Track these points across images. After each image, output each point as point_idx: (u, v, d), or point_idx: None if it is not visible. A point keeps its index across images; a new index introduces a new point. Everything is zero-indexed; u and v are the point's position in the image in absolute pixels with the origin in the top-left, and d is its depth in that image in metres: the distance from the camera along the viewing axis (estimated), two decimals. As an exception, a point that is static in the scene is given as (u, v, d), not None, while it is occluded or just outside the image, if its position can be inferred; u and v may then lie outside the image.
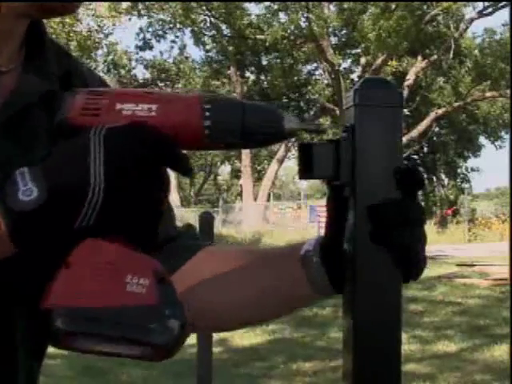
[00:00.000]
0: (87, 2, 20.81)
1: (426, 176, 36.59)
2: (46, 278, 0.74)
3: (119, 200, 0.72)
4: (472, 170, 36.20)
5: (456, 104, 28.25)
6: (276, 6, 24.16)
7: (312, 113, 29.83)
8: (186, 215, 25.02)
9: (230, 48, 26.67)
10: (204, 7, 24.93)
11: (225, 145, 0.79)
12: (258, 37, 25.13)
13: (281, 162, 28.68)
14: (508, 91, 24.81)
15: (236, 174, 41.91)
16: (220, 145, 0.79)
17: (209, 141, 0.77)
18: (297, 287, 0.93)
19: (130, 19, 25.72)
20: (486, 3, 24.75)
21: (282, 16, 24.33)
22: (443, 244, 21.02)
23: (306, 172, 0.84)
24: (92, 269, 0.73)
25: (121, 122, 0.74)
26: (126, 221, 0.74)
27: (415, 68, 26.84)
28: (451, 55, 25.93)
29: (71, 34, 20.26)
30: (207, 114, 0.76)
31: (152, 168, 0.74)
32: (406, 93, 24.02)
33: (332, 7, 24.77)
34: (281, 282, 0.96)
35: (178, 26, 26.98)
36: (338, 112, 25.10)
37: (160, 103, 0.76)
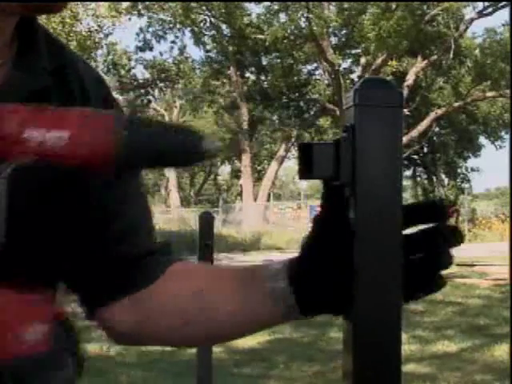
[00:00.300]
0: (87, 2, 20.82)
1: (425, 176, 36.62)
2: None
3: (21, 247, 0.72)
4: (472, 169, 36.25)
5: (456, 104, 28.25)
6: (276, 7, 24.15)
7: (312, 113, 29.83)
8: (186, 215, 25.01)
9: (230, 48, 26.67)
10: (204, 7, 24.94)
11: (142, 166, 0.77)
12: (257, 37, 25.13)
13: (281, 162, 28.68)
14: (508, 91, 24.82)
15: (236, 174, 41.91)
16: (137, 166, 0.77)
17: (124, 162, 0.75)
18: (261, 308, 0.91)
19: (129, 19, 25.73)
20: (486, 3, 24.75)
21: (282, 16, 24.35)
22: (443, 244, 21.00)
23: (305, 172, 0.84)
24: None
25: (28, 152, 0.71)
26: (25, 261, 0.73)
27: (415, 68, 26.84)
28: (451, 55, 25.93)
29: (71, 34, 20.27)
30: (123, 133, 0.74)
31: (56, 211, 0.73)
32: (405, 93, 24.01)
33: (332, 7, 24.77)
34: (245, 304, 0.94)
35: (177, 26, 26.99)
36: (338, 112, 25.10)
37: (72, 129, 0.72)
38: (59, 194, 0.73)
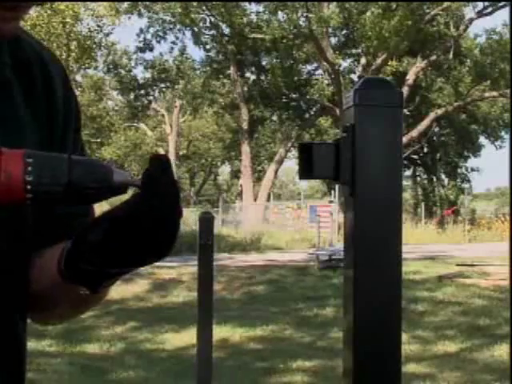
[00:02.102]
0: (87, 2, 20.82)
1: (425, 176, 36.62)
2: None
3: None
4: (472, 169, 36.23)
5: (456, 104, 28.24)
6: (274, 4, 24.15)
7: (312, 113, 29.82)
8: (185, 215, 25.01)
9: (230, 48, 26.66)
10: (204, 7, 24.94)
11: (51, 200, 0.78)
12: (257, 36, 25.12)
13: (281, 162, 28.66)
14: (508, 91, 24.81)
15: (236, 174, 41.90)
16: (45, 200, 0.77)
17: (33, 196, 0.76)
18: (52, 277, 0.92)
19: (129, 18, 25.73)
20: (486, 3, 24.75)
21: (282, 16, 24.33)
22: (443, 244, 21.02)
23: (306, 172, 0.84)
24: None
25: None
26: None
27: (415, 68, 26.83)
28: (451, 55, 25.93)
29: (71, 34, 20.26)
30: (30, 168, 0.75)
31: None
32: (405, 93, 24.01)
33: (332, 6, 24.75)
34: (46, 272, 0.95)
35: (178, 26, 26.98)
36: (338, 112, 25.09)
37: None
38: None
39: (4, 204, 0.76)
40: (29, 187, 0.75)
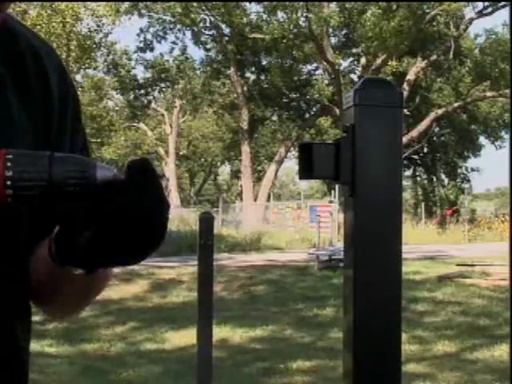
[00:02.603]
0: (87, 2, 20.82)
1: (425, 176, 36.63)
2: None
3: None
4: (472, 169, 36.25)
5: (456, 104, 28.24)
6: (272, 5, 24.14)
7: (312, 113, 29.82)
8: (185, 215, 25.01)
9: (230, 48, 26.66)
10: (204, 7, 24.93)
11: (33, 197, 0.77)
12: (257, 36, 25.12)
13: (280, 162, 28.66)
14: (508, 91, 24.81)
15: (236, 174, 41.90)
16: (26, 197, 0.77)
17: (13, 192, 0.76)
18: (46, 261, 0.92)
19: (129, 18, 25.74)
20: (486, 3, 24.75)
21: (281, 15, 24.33)
22: (443, 244, 21.02)
23: (306, 172, 0.84)
24: None
25: None
26: None
27: (415, 68, 26.83)
28: (451, 55, 25.92)
29: (71, 34, 20.26)
30: (9, 164, 0.75)
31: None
32: (405, 93, 24.01)
33: (332, 6, 24.75)
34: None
35: (178, 26, 26.98)
36: (338, 112, 25.09)
37: None
38: None
39: None
40: (8, 183, 0.75)
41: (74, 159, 0.79)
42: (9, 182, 0.75)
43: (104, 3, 21.30)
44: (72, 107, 1.06)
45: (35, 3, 18.72)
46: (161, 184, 0.82)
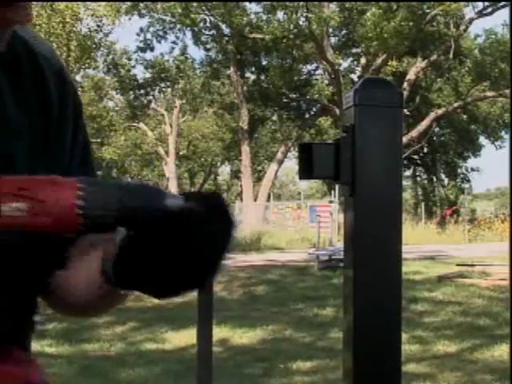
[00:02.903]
0: (87, 2, 20.82)
1: (425, 176, 36.62)
2: None
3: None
4: (472, 169, 36.25)
5: (456, 104, 28.24)
6: (272, 5, 24.13)
7: (312, 113, 29.81)
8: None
9: (230, 48, 26.66)
10: (204, 7, 24.93)
11: (103, 225, 0.78)
12: (257, 36, 25.11)
13: (280, 162, 28.66)
14: (508, 91, 24.80)
15: (236, 174, 41.90)
16: (98, 225, 0.78)
17: (85, 222, 0.77)
18: (94, 275, 0.92)
19: (129, 19, 25.73)
20: (486, 3, 24.74)
21: (282, 15, 24.33)
22: (443, 244, 21.02)
23: (306, 172, 0.84)
24: None
25: None
26: None
27: (415, 68, 26.83)
28: (451, 55, 25.91)
29: (71, 34, 20.25)
30: (81, 193, 0.76)
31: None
32: (405, 93, 24.01)
33: (332, 6, 24.75)
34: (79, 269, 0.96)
35: (178, 26, 26.97)
36: (338, 112, 25.09)
37: (31, 201, 0.75)
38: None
39: (58, 231, 0.77)
40: (80, 212, 0.76)
41: (144, 188, 0.79)
42: (81, 211, 0.76)
43: (104, 3, 21.30)
44: (72, 108, 1.06)
45: (35, 3, 18.70)
46: (232, 231, 0.82)
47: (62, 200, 0.76)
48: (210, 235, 0.80)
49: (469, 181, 36.10)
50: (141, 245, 0.80)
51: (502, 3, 23.79)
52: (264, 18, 25.19)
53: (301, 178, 0.85)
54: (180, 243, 0.79)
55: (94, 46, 21.95)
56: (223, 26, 26.27)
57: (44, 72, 1.03)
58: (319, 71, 29.07)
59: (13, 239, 0.81)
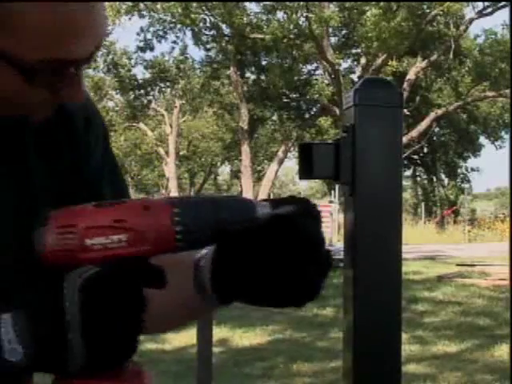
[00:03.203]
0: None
1: (425, 176, 36.62)
2: None
3: (100, 345, 0.75)
4: (472, 169, 36.24)
5: (456, 104, 28.23)
6: (273, 4, 24.11)
7: (312, 113, 29.81)
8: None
9: (230, 48, 26.66)
10: (204, 7, 24.93)
11: (201, 244, 0.80)
12: (257, 36, 25.12)
13: (280, 162, 28.66)
14: (508, 91, 24.80)
15: (236, 174, 41.90)
16: (196, 244, 0.80)
17: (183, 244, 0.78)
18: (184, 291, 0.92)
19: (130, 19, 25.72)
20: (486, 3, 24.74)
21: (282, 15, 24.33)
22: (443, 244, 21.02)
23: (306, 172, 0.84)
24: None
25: (93, 257, 0.75)
26: (110, 357, 0.76)
27: (415, 68, 26.82)
28: (451, 55, 25.91)
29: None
30: (177, 218, 0.77)
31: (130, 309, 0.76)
32: (405, 93, 24.01)
33: (332, 6, 24.75)
34: (171, 288, 0.96)
35: (178, 26, 26.97)
36: (338, 112, 25.09)
37: (128, 231, 0.76)
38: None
39: (158, 255, 0.78)
40: (179, 237, 0.77)
41: (236, 202, 0.80)
42: (179, 236, 0.77)
43: (104, 3, 21.27)
44: (102, 149, 1.07)
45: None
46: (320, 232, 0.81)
47: (159, 226, 0.76)
48: (307, 237, 0.79)
49: (469, 181, 36.11)
50: (237, 255, 0.80)
51: (502, 3, 23.79)
52: (264, 18, 25.20)
53: (301, 178, 0.85)
54: (277, 248, 0.79)
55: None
56: (223, 26, 26.27)
57: (75, 123, 1.03)
58: (319, 71, 29.07)
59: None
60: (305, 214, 0.79)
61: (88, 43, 0.87)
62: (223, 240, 0.79)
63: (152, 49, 28.48)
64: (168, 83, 31.79)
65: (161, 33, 27.66)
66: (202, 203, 0.78)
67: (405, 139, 23.72)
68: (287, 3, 22.82)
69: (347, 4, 24.18)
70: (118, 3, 22.96)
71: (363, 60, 26.45)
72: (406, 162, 32.64)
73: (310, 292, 0.80)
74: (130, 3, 24.79)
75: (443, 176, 35.99)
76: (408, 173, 36.20)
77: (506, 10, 24.93)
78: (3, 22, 0.83)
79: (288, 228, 0.79)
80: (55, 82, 0.88)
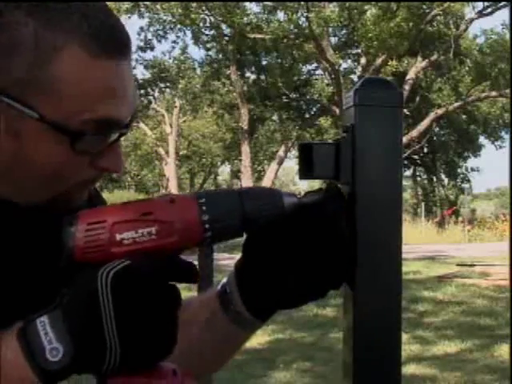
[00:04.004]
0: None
1: (425, 176, 36.61)
2: None
3: (136, 341, 0.75)
4: (472, 169, 36.23)
5: (456, 104, 28.23)
6: (273, 4, 24.11)
7: (312, 113, 29.81)
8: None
9: (230, 48, 26.66)
10: (204, 7, 24.93)
11: (229, 235, 0.81)
12: (257, 36, 25.11)
13: (280, 162, 28.67)
14: (508, 91, 24.80)
15: (236, 174, 41.89)
16: (223, 236, 0.80)
17: (211, 234, 0.79)
18: (217, 324, 0.93)
19: (129, 17, 25.71)
20: (486, 3, 24.73)
21: (282, 16, 24.34)
22: (443, 244, 21.02)
23: (306, 172, 0.84)
24: None
25: (124, 251, 0.76)
26: (146, 352, 0.76)
27: (415, 68, 26.82)
28: (451, 55, 25.90)
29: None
30: (204, 208, 0.78)
31: (163, 302, 0.76)
32: (405, 93, 24.01)
33: (332, 6, 24.75)
34: (202, 327, 0.95)
35: (178, 26, 26.97)
36: (338, 112, 25.09)
37: (157, 224, 0.77)
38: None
39: (186, 247, 0.79)
40: (207, 226, 0.78)
41: (262, 191, 0.81)
42: (207, 226, 0.78)
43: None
44: None
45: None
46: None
47: (186, 218, 0.77)
48: (333, 226, 0.82)
49: (469, 181, 36.09)
50: (264, 252, 0.83)
51: (502, 3, 23.78)
52: (264, 18, 25.19)
53: (301, 178, 0.85)
54: (305, 238, 0.81)
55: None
56: (223, 26, 26.27)
57: None
58: (319, 71, 29.08)
59: None
60: (332, 201, 0.82)
61: (125, 109, 0.88)
62: (251, 230, 0.80)
63: (152, 49, 28.50)
64: (168, 83, 31.79)
65: (161, 33, 27.67)
66: (228, 194, 0.80)
67: (405, 139, 23.70)
68: (287, 3, 22.81)
69: (347, 4, 24.17)
70: (117, 3, 22.94)
71: (363, 60, 26.45)
72: (405, 162, 32.63)
73: (337, 280, 0.83)
74: (129, 3, 24.80)
75: (443, 176, 35.99)
76: (408, 173, 36.19)
77: (506, 10, 24.94)
78: (43, 87, 0.84)
79: (314, 217, 0.81)
80: (98, 145, 0.88)
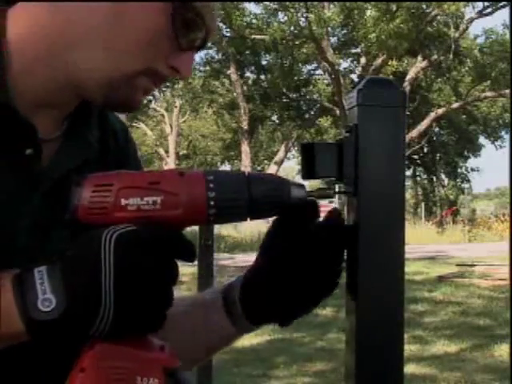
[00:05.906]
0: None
1: (425, 176, 36.62)
2: (60, 365, 0.80)
3: (130, 306, 0.75)
4: (472, 170, 36.26)
5: (456, 104, 28.23)
6: (274, 5, 24.13)
7: (312, 113, 29.81)
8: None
9: (230, 48, 26.66)
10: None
11: (233, 216, 0.81)
12: (257, 37, 25.12)
13: (281, 162, 28.68)
14: (508, 91, 24.80)
15: (236, 174, 41.84)
16: (228, 216, 0.80)
17: (216, 211, 0.79)
18: (215, 320, 0.94)
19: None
20: (486, 3, 24.73)
21: (282, 16, 24.34)
22: (443, 244, 21.02)
23: (308, 172, 0.84)
24: (105, 373, 0.75)
25: (127, 217, 0.76)
26: (138, 321, 0.76)
27: (415, 68, 26.83)
28: (451, 55, 25.91)
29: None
30: (211, 185, 0.78)
31: (161, 270, 0.76)
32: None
33: (332, 6, 24.75)
34: (200, 322, 0.96)
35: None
36: (338, 112, 25.09)
37: (163, 194, 0.77)
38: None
39: (189, 224, 0.80)
40: (212, 203, 0.78)
41: (271, 178, 0.82)
42: (212, 203, 0.78)
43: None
44: (138, 162, 1.09)
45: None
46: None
47: (193, 192, 0.78)
48: (341, 226, 0.85)
49: (469, 181, 36.13)
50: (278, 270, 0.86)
51: (502, 3, 23.79)
52: (264, 18, 25.19)
53: (304, 178, 0.85)
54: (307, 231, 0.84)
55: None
56: (223, 27, 26.27)
57: (117, 133, 1.04)
58: (319, 71, 29.08)
59: None
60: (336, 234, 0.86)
61: (215, 25, 0.92)
62: (255, 215, 0.81)
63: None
64: (168, 83, 31.78)
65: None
66: (236, 175, 0.80)
67: (405, 139, 23.65)
68: (288, 5, 22.81)
69: (347, 4, 24.17)
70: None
71: (363, 60, 26.45)
72: (405, 162, 32.60)
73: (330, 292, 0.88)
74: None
75: (443, 176, 36.01)
76: (408, 173, 36.20)
77: (506, 10, 24.95)
78: None
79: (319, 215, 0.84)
80: (188, 36, 0.87)
